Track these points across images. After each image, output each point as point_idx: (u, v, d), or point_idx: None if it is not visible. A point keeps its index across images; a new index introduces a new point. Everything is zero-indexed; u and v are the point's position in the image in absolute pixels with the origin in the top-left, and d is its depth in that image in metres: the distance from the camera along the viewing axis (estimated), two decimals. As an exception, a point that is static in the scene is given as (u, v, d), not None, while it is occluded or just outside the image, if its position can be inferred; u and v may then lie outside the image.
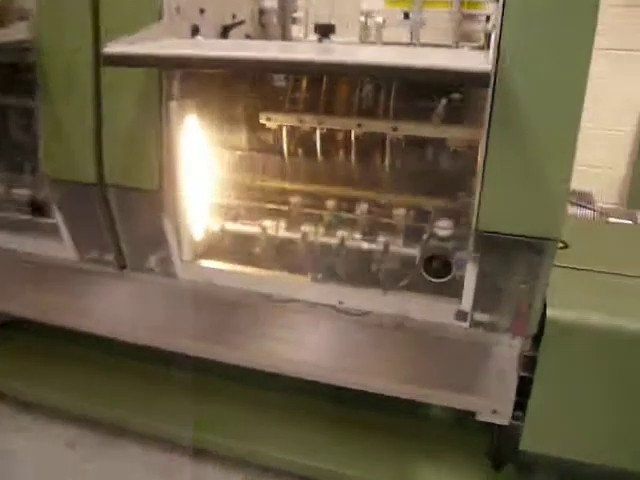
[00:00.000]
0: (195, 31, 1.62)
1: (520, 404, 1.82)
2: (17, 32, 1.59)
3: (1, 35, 1.57)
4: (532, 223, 1.35)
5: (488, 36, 1.82)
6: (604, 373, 1.64)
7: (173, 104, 1.54)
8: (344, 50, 1.25)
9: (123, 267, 1.88)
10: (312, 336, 1.78)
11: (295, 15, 1.96)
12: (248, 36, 1.92)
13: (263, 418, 2.09)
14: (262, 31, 2.02)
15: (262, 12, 2.00)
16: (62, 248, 1.85)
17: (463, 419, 2.08)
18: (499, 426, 1.94)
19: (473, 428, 2.11)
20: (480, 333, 1.64)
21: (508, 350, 1.75)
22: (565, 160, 1.29)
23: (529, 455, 1.88)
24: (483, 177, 1.34)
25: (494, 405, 1.85)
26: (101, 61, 1.30)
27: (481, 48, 1.83)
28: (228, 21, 1.80)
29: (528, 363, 1.75)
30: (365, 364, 1.84)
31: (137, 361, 2.30)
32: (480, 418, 1.91)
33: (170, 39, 1.48)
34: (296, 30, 1.98)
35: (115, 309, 2.11)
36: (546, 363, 1.67)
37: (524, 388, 1.79)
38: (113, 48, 1.31)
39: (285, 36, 1.97)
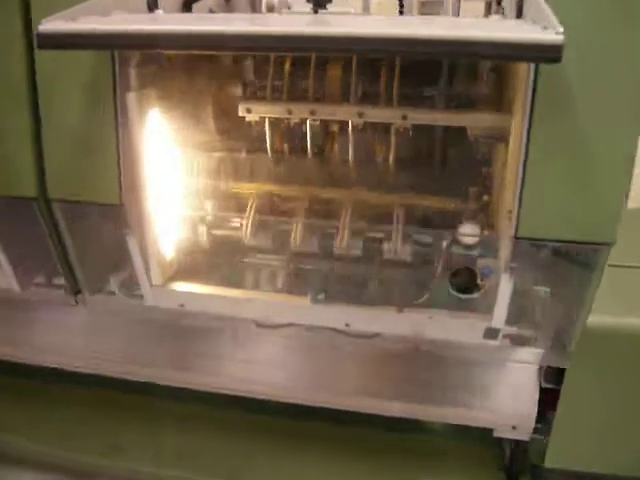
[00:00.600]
0: (152, 4, 1.30)
1: (540, 417, 1.66)
2: None
3: None
4: (584, 226, 1.13)
5: (490, 6, 1.60)
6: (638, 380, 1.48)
7: (131, 96, 1.23)
8: (359, 22, 0.99)
9: (77, 292, 1.58)
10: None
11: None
12: (212, 11, 1.61)
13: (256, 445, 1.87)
14: (226, 5, 1.71)
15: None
16: (3, 277, 1.52)
17: (469, 431, 1.93)
18: (516, 441, 1.78)
19: (481, 440, 1.95)
20: (504, 347, 1.44)
21: (529, 361, 1.57)
22: (625, 151, 1.07)
23: (549, 470, 1.73)
24: (524, 175, 1.11)
25: (514, 421, 1.67)
26: (35, 44, 0.98)
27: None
28: (189, -7, 1.49)
29: (551, 374, 1.58)
30: (380, 386, 1.62)
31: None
32: (498, 435, 1.73)
33: (122, 14, 1.17)
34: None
35: (67, 338, 1.81)
36: (576, 373, 1.49)
37: (546, 401, 1.63)
38: (50, 25, 0.99)
39: (255, 9, 1.66)
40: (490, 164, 1.40)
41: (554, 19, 0.89)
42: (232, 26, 0.92)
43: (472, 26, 0.91)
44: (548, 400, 1.61)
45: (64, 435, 1.94)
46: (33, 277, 1.58)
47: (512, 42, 0.82)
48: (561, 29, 0.83)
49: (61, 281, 1.58)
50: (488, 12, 1.59)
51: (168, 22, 1.11)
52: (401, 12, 1.66)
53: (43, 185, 1.33)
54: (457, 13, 1.57)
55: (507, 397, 1.65)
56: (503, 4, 1.43)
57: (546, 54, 0.82)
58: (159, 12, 1.26)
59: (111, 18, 1.09)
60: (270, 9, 1.56)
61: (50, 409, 2.01)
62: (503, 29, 0.88)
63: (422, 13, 1.69)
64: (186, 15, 1.30)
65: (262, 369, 1.62)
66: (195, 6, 1.48)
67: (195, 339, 1.68)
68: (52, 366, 1.85)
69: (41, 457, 1.88)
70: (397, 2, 1.64)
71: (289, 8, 1.63)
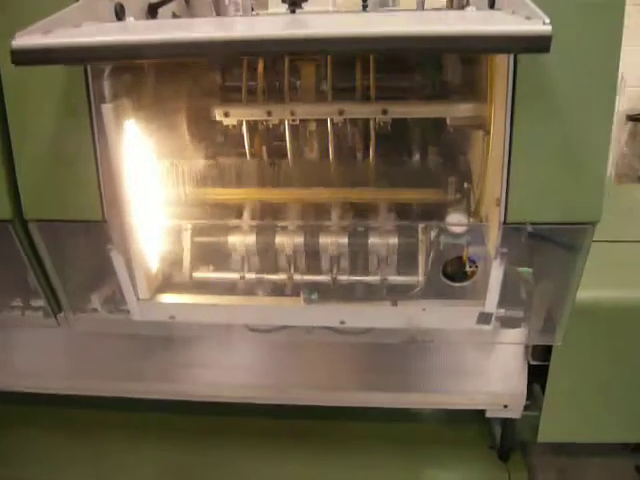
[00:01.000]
0: (120, 11, 1.26)
1: (529, 394, 1.71)
2: None
3: None
4: (570, 208, 1.16)
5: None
6: (625, 349, 1.53)
7: (107, 107, 1.19)
8: (341, 21, 0.98)
9: (57, 312, 1.52)
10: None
11: (227, -15, 1.62)
12: (175, 15, 1.57)
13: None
14: (188, 10, 1.67)
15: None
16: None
17: (457, 413, 1.97)
18: (506, 419, 1.82)
19: (469, 420, 2.00)
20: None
21: (517, 341, 1.61)
22: (603, 132, 1.11)
23: (541, 444, 1.79)
24: (509, 163, 1.13)
25: (505, 400, 1.72)
26: (10, 59, 0.93)
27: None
28: (152, -3, 1.45)
29: (538, 351, 1.62)
30: (369, 379, 1.63)
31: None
32: (491, 415, 1.78)
33: (93, 24, 1.13)
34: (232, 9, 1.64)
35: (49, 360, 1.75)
36: (564, 349, 1.53)
37: (535, 377, 1.67)
38: (24, 40, 0.94)
39: (219, 12, 1.63)
40: (469, 152, 1.43)
41: (535, 8, 0.91)
42: (218, 32, 0.91)
43: (458, 20, 0.92)
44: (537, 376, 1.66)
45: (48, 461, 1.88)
46: (9, 300, 1.51)
47: (503, 35, 0.84)
48: (547, 19, 0.85)
49: (38, 302, 1.52)
50: (451, 3, 1.62)
51: (146, 32, 1.08)
52: (364, 6, 1.66)
53: (18, 206, 1.27)
54: (422, 6, 1.59)
55: (497, 377, 1.69)
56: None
57: (536, 45, 0.84)
58: (130, 20, 1.22)
59: (84, 30, 1.06)
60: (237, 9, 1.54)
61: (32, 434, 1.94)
62: (491, 22, 0.89)
63: (382, 6, 1.70)
64: (161, 22, 1.26)
65: (253, 372, 1.61)
66: (160, 11, 1.44)
67: (184, 349, 1.66)
68: (31, 391, 1.79)
69: None
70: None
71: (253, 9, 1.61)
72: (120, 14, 1.26)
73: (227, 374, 1.72)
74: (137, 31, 1.07)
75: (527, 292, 1.38)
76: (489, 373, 1.69)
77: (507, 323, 1.44)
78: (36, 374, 1.78)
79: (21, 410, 1.97)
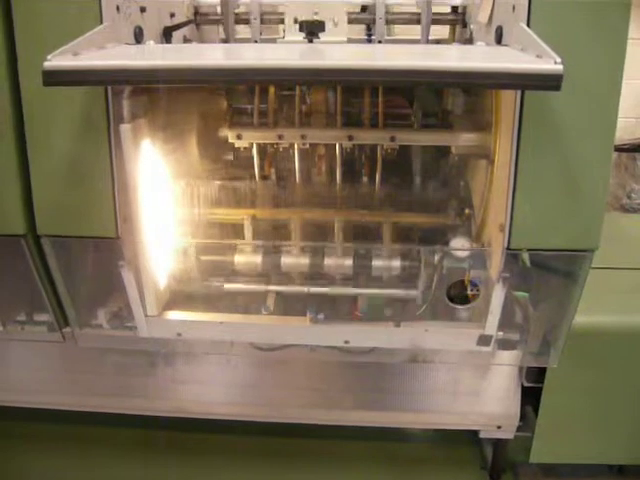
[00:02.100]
0: (139, 33, 1.30)
1: (523, 415, 1.76)
2: None
3: None
4: (570, 236, 1.22)
5: (454, 30, 1.69)
6: (618, 374, 1.59)
7: (125, 127, 1.22)
8: (357, 52, 1.03)
9: (63, 326, 1.53)
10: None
11: (238, 11, 1.67)
12: (186, 38, 1.61)
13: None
14: (199, 34, 1.72)
15: (197, 10, 1.70)
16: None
17: (449, 433, 2.00)
18: (498, 439, 1.86)
19: (460, 441, 2.03)
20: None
21: (511, 363, 1.66)
22: (603, 164, 1.17)
23: (531, 465, 1.83)
24: (514, 191, 1.19)
25: (498, 421, 1.76)
26: (43, 80, 0.96)
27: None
28: (167, 21, 1.50)
29: (532, 373, 1.67)
30: (364, 398, 1.66)
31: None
32: (484, 435, 1.82)
33: (119, 45, 1.16)
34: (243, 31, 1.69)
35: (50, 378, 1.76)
36: (557, 371, 1.58)
37: (529, 399, 1.72)
38: (56, 62, 0.97)
39: (228, 37, 1.68)
40: (470, 179, 1.48)
41: (545, 47, 0.97)
42: (240, 59, 0.95)
43: (472, 55, 0.97)
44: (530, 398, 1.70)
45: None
46: (14, 314, 1.52)
47: (517, 73, 0.89)
48: (559, 59, 0.91)
49: (42, 317, 1.52)
50: (453, 35, 1.69)
51: (168, 57, 1.11)
52: (369, 36, 1.72)
53: (32, 221, 1.29)
54: (427, 38, 1.65)
55: (491, 398, 1.74)
56: (471, 27, 1.53)
57: (548, 83, 0.89)
58: (150, 43, 1.26)
59: (110, 52, 1.09)
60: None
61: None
62: (504, 59, 0.95)
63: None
64: (179, 47, 1.30)
65: (257, 391, 1.63)
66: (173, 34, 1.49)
67: (184, 365, 1.67)
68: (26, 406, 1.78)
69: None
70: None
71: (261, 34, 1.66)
72: (139, 37, 1.30)
73: (225, 392, 1.74)
74: (161, 56, 1.10)
75: (524, 315, 1.42)
76: (484, 394, 1.74)
77: (504, 345, 1.48)
78: (30, 390, 1.78)
79: (15, 425, 1.95)
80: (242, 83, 1.22)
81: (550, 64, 0.90)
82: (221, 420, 1.74)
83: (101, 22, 1.16)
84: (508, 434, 1.77)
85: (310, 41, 1.20)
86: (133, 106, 1.25)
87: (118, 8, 1.21)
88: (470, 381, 1.73)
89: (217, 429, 1.83)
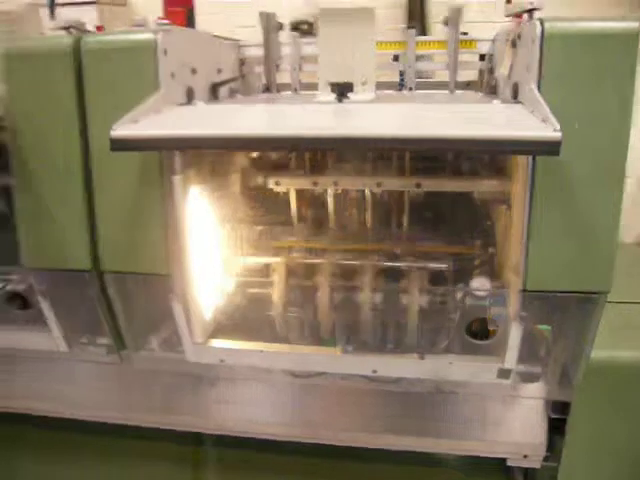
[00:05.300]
0: (190, 93, 1.48)
1: (550, 445, 1.81)
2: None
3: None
4: (584, 278, 1.30)
5: (483, 75, 1.80)
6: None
7: (176, 179, 1.38)
8: (382, 117, 1.15)
9: (121, 349, 1.70)
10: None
11: (279, 63, 1.84)
12: (233, 89, 1.79)
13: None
14: (243, 82, 1.89)
15: (243, 62, 1.87)
16: (49, 339, 1.65)
17: (480, 461, 2.05)
18: (527, 468, 1.91)
19: (491, 469, 2.07)
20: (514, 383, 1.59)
21: (537, 395, 1.73)
22: (613, 209, 1.25)
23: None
24: (529, 234, 1.28)
25: (525, 450, 1.82)
26: (109, 146, 1.14)
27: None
28: (215, 76, 1.67)
29: (558, 405, 1.73)
30: (396, 423, 1.76)
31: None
32: (511, 464, 1.87)
33: (173, 108, 1.33)
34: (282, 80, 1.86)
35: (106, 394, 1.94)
36: (582, 403, 1.64)
37: (555, 429, 1.77)
38: (121, 131, 1.15)
39: (270, 86, 1.84)
40: (493, 223, 1.58)
41: (548, 112, 1.07)
42: (280, 129, 1.09)
43: (484, 118, 1.08)
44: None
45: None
46: (79, 337, 1.70)
47: (519, 140, 1.00)
48: (558, 125, 1.01)
49: (103, 340, 1.70)
50: (482, 78, 1.80)
51: (215, 123, 1.26)
52: (401, 84, 1.86)
53: (96, 259, 1.47)
54: (454, 85, 1.77)
55: (518, 428, 1.80)
56: (496, 75, 1.64)
57: (547, 149, 1.00)
58: (200, 103, 1.43)
59: (166, 119, 1.25)
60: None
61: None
62: (510, 125, 1.06)
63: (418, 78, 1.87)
64: (227, 109, 1.43)
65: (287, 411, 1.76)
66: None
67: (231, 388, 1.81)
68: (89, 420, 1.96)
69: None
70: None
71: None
72: (190, 96, 1.48)
73: (264, 412, 1.87)
74: (209, 122, 1.25)
75: (545, 349, 1.50)
76: (511, 424, 1.80)
77: (526, 378, 1.55)
78: (88, 405, 1.97)
79: (71, 436, 2.13)
80: (283, 150, 1.36)
81: (549, 131, 1.00)
82: (259, 439, 1.87)
83: (158, 87, 1.34)
84: (535, 463, 1.82)
85: (340, 101, 1.34)
86: (183, 159, 1.41)
87: (173, 75, 1.39)
88: (498, 411, 1.80)
89: (256, 447, 1.94)
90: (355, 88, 1.37)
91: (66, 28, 1.48)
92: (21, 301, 1.64)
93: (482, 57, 1.81)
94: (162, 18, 1.47)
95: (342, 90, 1.35)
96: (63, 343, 1.66)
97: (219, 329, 1.61)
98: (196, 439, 1.93)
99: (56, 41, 1.38)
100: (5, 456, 2.12)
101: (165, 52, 1.34)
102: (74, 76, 1.37)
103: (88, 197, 1.44)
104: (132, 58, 1.33)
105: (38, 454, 2.14)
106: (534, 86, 1.21)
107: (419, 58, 1.78)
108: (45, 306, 1.59)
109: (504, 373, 1.47)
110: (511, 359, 1.44)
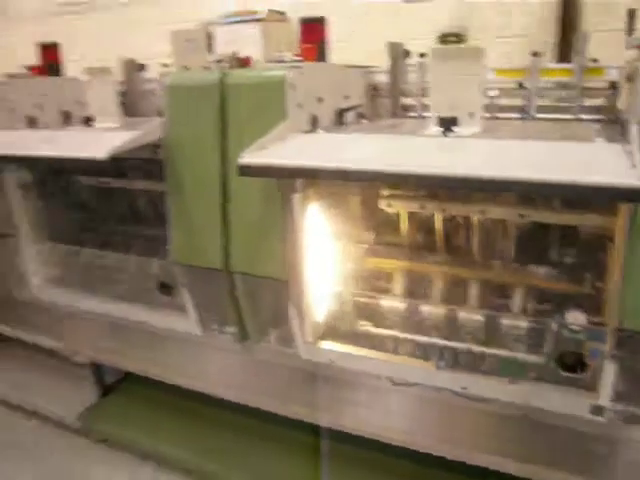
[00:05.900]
0: (314, 121, 1.66)
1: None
2: (152, 132, 1.69)
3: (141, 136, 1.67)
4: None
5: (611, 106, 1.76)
6: None
7: (296, 197, 1.58)
8: (486, 157, 1.23)
9: (245, 339, 1.95)
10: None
11: (404, 86, 1.95)
12: (360, 114, 1.94)
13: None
14: (372, 105, 2.04)
15: (373, 87, 2.02)
16: (187, 322, 1.95)
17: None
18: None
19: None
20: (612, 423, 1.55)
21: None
22: None
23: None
24: (625, 271, 1.28)
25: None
26: (237, 172, 1.36)
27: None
28: (341, 102, 1.83)
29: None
30: (500, 448, 1.78)
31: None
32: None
33: (297, 137, 1.52)
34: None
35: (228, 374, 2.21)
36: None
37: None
38: (248, 159, 1.36)
39: (396, 110, 1.97)
40: (600, 260, 1.56)
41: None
42: (397, 165, 1.23)
43: (564, 162, 1.13)
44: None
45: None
46: (210, 324, 1.98)
47: (603, 187, 1.03)
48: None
49: (231, 329, 1.96)
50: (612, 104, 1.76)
51: (335, 155, 1.40)
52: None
53: (228, 260, 1.73)
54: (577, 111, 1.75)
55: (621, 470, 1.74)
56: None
57: (628, 197, 1.02)
58: (321, 132, 1.61)
59: (289, 147, 1.44)
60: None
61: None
62: (602, 169, 1.09)
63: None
64: (347, 139, 1.55)
65: (392, 419, 1.88)
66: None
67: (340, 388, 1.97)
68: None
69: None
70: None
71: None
72: (314, 124, 1.66)
73: (381, 417, 1.97)
74: (328, 155, 1.39)
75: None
76: (612, 464, 1.74)
77: (627, 418, 1.51)
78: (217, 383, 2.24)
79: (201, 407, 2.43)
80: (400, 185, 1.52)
81: (632, 179, 1.02)
82: (364, 438, 1.99)
83: (285, 117, 1.54)
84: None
85: (445, 135, 1.44)
86: (304, 180, 1.61)
87: (300, 105, 1.58)
88: (602, 451, 1.74)
89: (361, 444, 2.06)
90: (461, 121, 1.46)
91: (219, 61, 1.76)
92: (167, 290, 1.98)
93: (612, 85, 1.77)
94: (297, 54, 1.68)
95: (447, 125, 1.44)
96: (198, 327, 1.96)
97: (332, 332, 1.79)
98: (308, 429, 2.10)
99: (206, 76, 1.65)
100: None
101: (294, 87, 1.53)
102: (219, 106, 1.63)
103: (223, 208, 1.69)
104: (265, 93, 1.55)
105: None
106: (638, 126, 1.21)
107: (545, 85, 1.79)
108: (185, 295, 1.89)
109: (597, 410, 1.47)
110: (605, 396, 1.43)
